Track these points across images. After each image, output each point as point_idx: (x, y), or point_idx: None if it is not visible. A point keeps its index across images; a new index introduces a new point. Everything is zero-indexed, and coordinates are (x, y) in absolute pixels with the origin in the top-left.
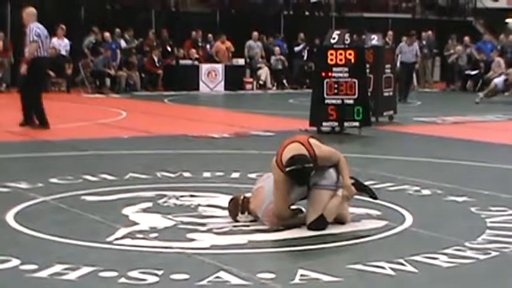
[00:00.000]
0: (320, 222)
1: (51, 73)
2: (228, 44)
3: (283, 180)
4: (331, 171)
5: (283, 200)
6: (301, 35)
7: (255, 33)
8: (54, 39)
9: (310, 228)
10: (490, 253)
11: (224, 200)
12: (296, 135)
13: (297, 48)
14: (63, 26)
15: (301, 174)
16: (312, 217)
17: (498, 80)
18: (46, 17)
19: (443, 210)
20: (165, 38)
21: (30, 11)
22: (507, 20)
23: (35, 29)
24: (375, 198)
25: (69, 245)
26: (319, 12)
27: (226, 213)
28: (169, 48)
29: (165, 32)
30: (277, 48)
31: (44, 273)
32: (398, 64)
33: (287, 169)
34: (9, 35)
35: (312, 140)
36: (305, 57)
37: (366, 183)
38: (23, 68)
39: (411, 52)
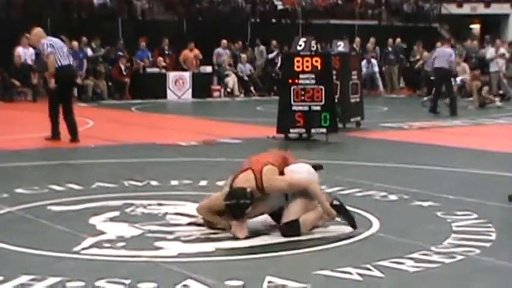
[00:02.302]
0: (293, 227)
1: (17, 82)
2: (196, 51)
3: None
4: (306, 176)
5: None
6: (274, 42)
7: (224, 41)
8: (20, 48)
9: (281, 229)
10: (455, 257)
11: (192, 208)
12: (263, 152)
13: (270, 56)
14: (28, 35)
15: (235, 209)
16: (287, 219)
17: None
18: (12, 26)
19: (409, 215)
20: (143, 47)
21: (36, 31)
22: (471, 26)
23: (46, 42)
24: (354, 227)
25: (35, 256)
26: (286, 20)
27: (193, 220)
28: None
29: (142, 41)
30: (244, 56)
31: (9, 285)
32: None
33: (224, 202)
34: None
35: (266, 171)
36: (278, 64)
37: (333, 189)
38: (51, 82)
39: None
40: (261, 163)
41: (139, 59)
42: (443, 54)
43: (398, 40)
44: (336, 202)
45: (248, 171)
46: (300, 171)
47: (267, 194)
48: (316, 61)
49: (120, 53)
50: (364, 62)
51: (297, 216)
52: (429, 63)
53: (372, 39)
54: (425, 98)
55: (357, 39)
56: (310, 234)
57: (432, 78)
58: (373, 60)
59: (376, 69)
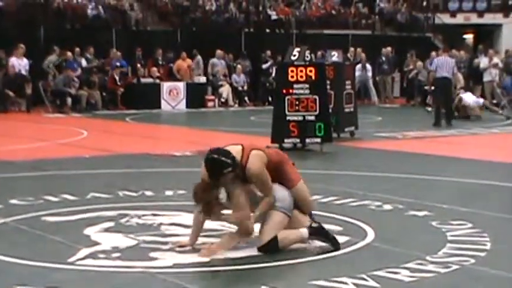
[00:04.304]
0: (272, 246)
1: (11, 93)
2: (190, 61)
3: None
4: (286, 195)
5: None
6: (268, 52)
7: (219, 51)
8: (14, 59)
9: (260, 250)
10: (450, 267)
11: (187, 218)
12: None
13: (264, 66)
14: (23, 46)
15: (213, 164)
16: (265, 239)
17: (471, 100)
18: (5, 36)
19: (404, 225)
20: (138, 57)
21: None
22: (465, 36)
23: None
24: (337, 248)
25: (30, 267)
26: (280, 30)
27: (188, 231)
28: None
29: (138, 50)
30: (239, 66)
31: None
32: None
33: (206, 155)
34: None
35: (255, 153)
36: (273, 74)
37: (328, 199)
38: None
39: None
40: (254, 146)
41: (112, 68)
42: (447, 64)
43: (388, 49)
44: (314, 225)
45: (238, 146)
46: (280, 189)
47: (246, 177)
48: (310, 71)
49: (118, 63)
50: (358, 66)
51: (273, 235)
52: (425, 72)
53: (358, 49)
54: (429, 109)
55: (352, 49)
56: (305, 244)
57: (427, 87)
58: (368, 66)
59: (370, 74)
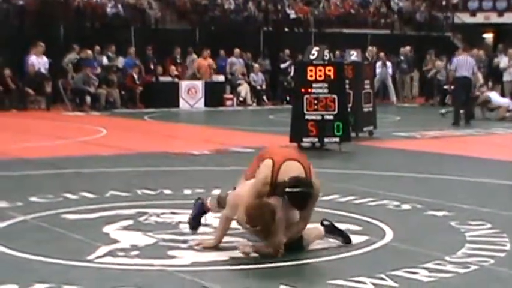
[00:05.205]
0: (297, 243)
1: (31, 91)
2: (210, 60)
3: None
4: None
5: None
6: (287, 51)
7: (237, 50)
8: (33, 57)
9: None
10: (469, 267)
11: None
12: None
13: (283, 65)
14: (42, 44)
15: (297, 197)
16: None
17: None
18: (25, 35)
19: (423, 225)
20: (149, 56)
21: None
22: (485, 35)
23: None
24: (349, 242)
25: (49, 264)
26: (299, 29)
27: (207, 229)
28: (152, 66)
29: (149, 49)
30: (257, 65)
31: None
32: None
33: (290, 190)
34: None
35: (311, 167)
36: (291, 74)
37: (347, 198)
38: None
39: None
40: (302, 157)
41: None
42: (467, 63)
43: (407, 48)
44: (326, 222)
45: (295, 162)
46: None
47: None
48: (329, 70)
49: (137, 62)
50: (378, 64)
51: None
52: (444, 72)
53: (370, 47)
54: (443, 110)
55: (370, 48)
56: (323, 243)
57: (446, 87)
58: (388, 63)
59: (390, 71)
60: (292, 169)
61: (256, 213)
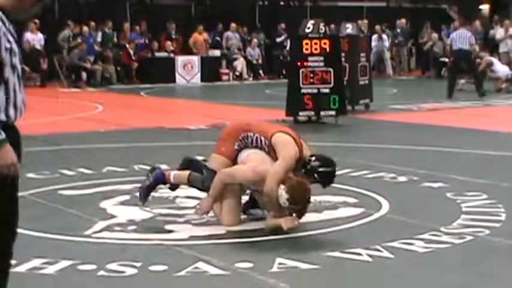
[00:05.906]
0: None
1: (26, 68)
2: (205, 35)
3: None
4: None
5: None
6: (283, 25)
7: (233, 25)
8: (28, 34)
9: None
10: (465, 237)
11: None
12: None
13: (279, 39)
14: (36, 20)
15: (333, 176)
16: None
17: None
18: None
19: (419, 197)
20: (144, 31)
21: None
22: (481, 7)
23: None
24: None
25: (47, 239)
26: (294, 2)
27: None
28: (147, 41)
29: (143, 25)
30: (254, 40)
31: (22, 268)
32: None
33: (323, 169)
34: None
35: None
36: (287, 48)
37: (343, 171)
38: None
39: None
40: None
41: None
42: (463, 36)
43: (403, 21)
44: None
45: (288, 137)
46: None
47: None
48: (325, 43)
49: (138, 38)
50: (374, 37)
51: None
52: (440, 44)
53: (360, 21)
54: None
55: (364, 21)
56: (319, 216)
57: (442, 60)
58: (384, 36)
59: (387, 44)
60: (304, 145)
61: (301, 193)
